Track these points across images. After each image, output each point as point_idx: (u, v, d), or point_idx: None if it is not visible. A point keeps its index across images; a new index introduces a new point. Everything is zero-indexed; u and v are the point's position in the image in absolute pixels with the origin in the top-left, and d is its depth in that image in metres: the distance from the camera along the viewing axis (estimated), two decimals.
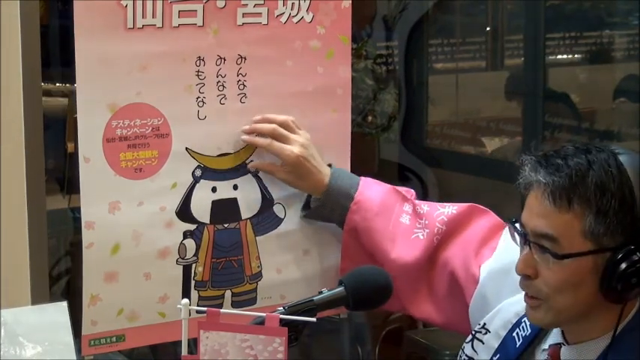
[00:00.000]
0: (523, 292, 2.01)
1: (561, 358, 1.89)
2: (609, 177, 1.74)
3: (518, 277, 1.99)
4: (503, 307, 2.08)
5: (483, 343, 2.06)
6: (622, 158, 1.77)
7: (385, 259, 2.41)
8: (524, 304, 1.94)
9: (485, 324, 2.09)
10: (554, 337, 1.93)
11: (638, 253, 1.72)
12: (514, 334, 2.00)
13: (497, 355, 2.01)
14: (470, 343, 2.10)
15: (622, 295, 1.76)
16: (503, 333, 2.03)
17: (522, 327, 1.99)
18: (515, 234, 1.86)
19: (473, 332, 2.11)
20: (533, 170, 1.79)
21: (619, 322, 1.77)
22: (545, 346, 1.94)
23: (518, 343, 1.98)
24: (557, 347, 1.90)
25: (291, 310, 1.84)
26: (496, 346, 2.02)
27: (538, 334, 1.97)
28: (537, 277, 1.81)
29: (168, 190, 2.50)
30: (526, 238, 1.81)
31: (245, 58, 2.56)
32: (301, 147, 2.49)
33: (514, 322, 2.02)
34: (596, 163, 1.75)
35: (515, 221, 1.87)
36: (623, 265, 1.71)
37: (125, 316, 2.48)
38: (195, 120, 2.51)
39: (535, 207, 1.78)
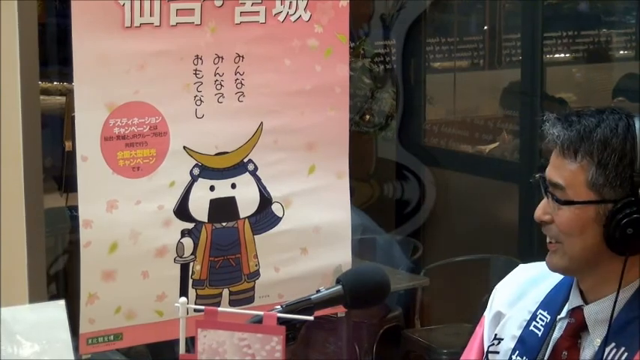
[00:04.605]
0: (527, 297, 2.04)
1: (585, 316, 1.96)
2: (613, 134, 1.89)
3: (516, 293, 2.07)
4: (512, 314, 2.10)
5: (498, 353, 2.08)
6: (637, 121, 1.91)
7: None
8: (535, 299, 2.03)
9: (496, 335, 2.11)
10: (572, 302, 2.00)
11: (634, 206, 1.85)
12: (531, 327, 2.05)
13: (517, 352, 2.03)
14: None
15: (622, 245, 1.87)
16: (519, 332, 2.05)
17: (539, 318, 2.04)
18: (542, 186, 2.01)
19: (485, 352, 2.12)
20: (552, 126, 1.95)
21: (623, 272, 1.87)
22: (563, 314, 2.01)
23: (540, 333, 2.02)
24: (578, 309, 1.98)
25: (289, 308, 1.84)
26: (512, 346, 2.04)
27: (557, 312, 2.01)
28: (553, 223, 1.95)
29: (166, 188, 2.50)
30: (546, 188, 1.97)
31: (243, 57, 2.56)
32: None
33: (528, 318, 2.05)
34: (604, 122, 1.91)
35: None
36: (620, 215, 1.86)
37: (123, 315, 2.49)
38: (193, 119, 2.52)
39: (552, 159, 1.95)
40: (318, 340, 4.24)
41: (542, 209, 1.96)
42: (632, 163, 1.87)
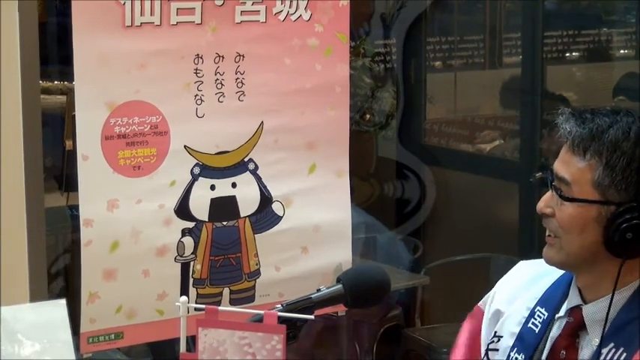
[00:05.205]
0: (526, 294, 2.04)
1: (583, 316, 1.96)
2: (625, 137, 1.89)
3: (516, 290, 2.08)
4: (512, 312, 2.11)
5: (498, 350, 2.09)
6: None
7: None
8: (533, 296, 2.04)
9: (496, 332, 2.11)
10: (571, 301, 2.00)
11: (636, 211, 1.85)
12: (529, 324, 2.06)
13: (515, 349, 2.04)
14: (484, 358, 2.12)
15: (620, 248, 1.87)
16: (518, 329, 2.06)
17: (537, 315, 2.05)
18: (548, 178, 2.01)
19: (485, 350, 2.13)
20: (565, 121, 1.95)
21: (619, 275, 1.88)
22: (561, 313, 2.01)
23: (537, 330, 2.02)
24: (577, 308, 1.98)
25: (290, 307, 1.84)
26: (511, 343, 2.05)
27: (555, 309, 2.03)
28: (554, 217, 1.95)
29: (166, 187, 2.50)
30: (551, 181, 1.96)
31: (243, 56, 2.56)
32: None
33: (526, 315, 2.06)
34: (618, 123, 1.91)
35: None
36: (621, 219, 1.85)
37: (124, 314, 2.49)
38: (194, 118, 2.52)
39: (562, 153, 1.95)
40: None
41: (545, 202, 1.97)
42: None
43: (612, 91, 5.05)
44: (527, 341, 2.03)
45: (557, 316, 2.01)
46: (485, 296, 2.21)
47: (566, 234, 1.92)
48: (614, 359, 1.88)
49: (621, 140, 1.88)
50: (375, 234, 4.75)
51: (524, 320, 2.06)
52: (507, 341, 2.06)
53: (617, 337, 1.89)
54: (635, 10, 5.21)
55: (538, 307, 2.05)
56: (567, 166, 1.92)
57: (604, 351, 1.89)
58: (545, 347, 2.01)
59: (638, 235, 1.86)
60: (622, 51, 5.38)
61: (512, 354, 2.04)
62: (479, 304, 2.24)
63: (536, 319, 2.04)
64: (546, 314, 2.03)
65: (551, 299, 2.03)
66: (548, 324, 2.02)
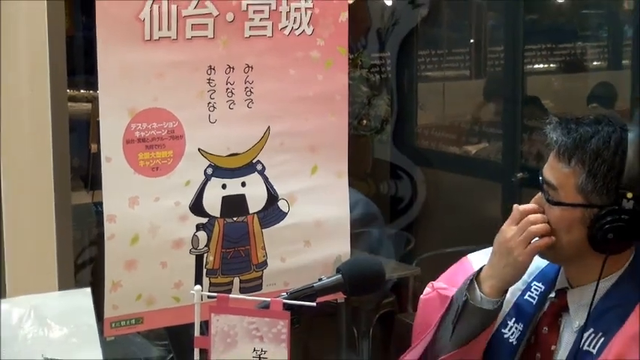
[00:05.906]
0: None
1: (568, 299, 1.98)
2: (606, 146, 1.89)
3: None
4: None
5: None
6: (630, 134, 1.90)
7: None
8: (529, 270, 2.03)
9: None
10: (560, 284, 2.03)
11: (617, 214, 1.87)
12: (526, 296, 2.07)
13: (514, 319, 2.04)
14: None
15: (603, 246, 1.89)
16: (513, 298, 2.07)
17: (533, 289, 2.07)
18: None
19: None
20: (552, 130, 1.96)
21: (602, 270, 1.89)
22: (552, 294, 2.03)
23: (534, 302, 2.04)
24: (563, 291, 2.01)
25: (294, 295, 1.85)
26: (507, 310, 2.06)
27: (551, 285, 2.05)
28: None
29: (182, 186, 2.50)
30: (542, 184, 1.98)
31: (252, 67, 2.56)
32: None
33: (522, 288, 2.07)
34: (599, 133, 1.91)
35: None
36: (603, 221, 1.87)
37: (143, 301, 2.49)
38: (207, 123, 2.52)
39: (550, 159, 1.97)
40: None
41: (535, 202, 1.99)
42: (620, 175, 1.87)
43: (586, 99, 5.05)
44: (526, 312, 2.04)
45: (549, 296, 2.02)
46: (476, 253, 2.21)
47: (554, 232, 1.94)
48: (592, 343, 1.89)
49: (602, 149, 1.89)
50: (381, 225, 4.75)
51: (519, 293, 2.07)
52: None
53: (597, 323, 1.90)
54: (606, 25, 5.21)
55: (535, 282, 2.07)
56: (554, 171, 1.93)
57: (585, 335, 1.90)
58: (537, 319, 2.02)
59: (619, 234, 1.87)
60: (595, 62, 5.38)
61: (510, 322, 2.05)
62: (469, 260, 2.23)
63: (532, 292, 2.06)
64: (543, 287, 2.05)
65: (547, 276, 2.06)
66: (543, 297, 2.04)
